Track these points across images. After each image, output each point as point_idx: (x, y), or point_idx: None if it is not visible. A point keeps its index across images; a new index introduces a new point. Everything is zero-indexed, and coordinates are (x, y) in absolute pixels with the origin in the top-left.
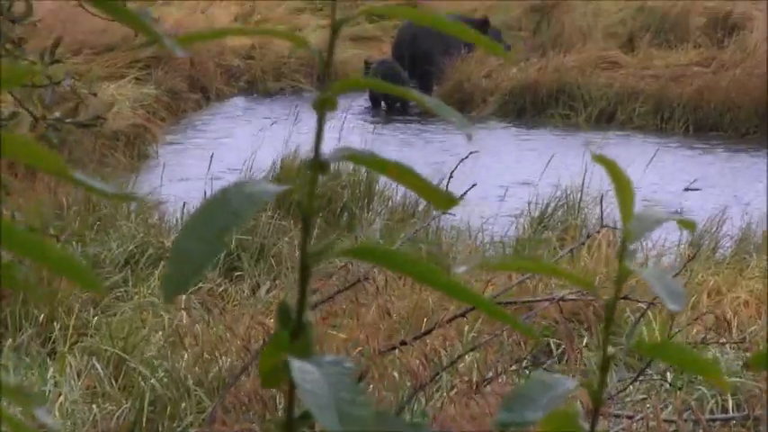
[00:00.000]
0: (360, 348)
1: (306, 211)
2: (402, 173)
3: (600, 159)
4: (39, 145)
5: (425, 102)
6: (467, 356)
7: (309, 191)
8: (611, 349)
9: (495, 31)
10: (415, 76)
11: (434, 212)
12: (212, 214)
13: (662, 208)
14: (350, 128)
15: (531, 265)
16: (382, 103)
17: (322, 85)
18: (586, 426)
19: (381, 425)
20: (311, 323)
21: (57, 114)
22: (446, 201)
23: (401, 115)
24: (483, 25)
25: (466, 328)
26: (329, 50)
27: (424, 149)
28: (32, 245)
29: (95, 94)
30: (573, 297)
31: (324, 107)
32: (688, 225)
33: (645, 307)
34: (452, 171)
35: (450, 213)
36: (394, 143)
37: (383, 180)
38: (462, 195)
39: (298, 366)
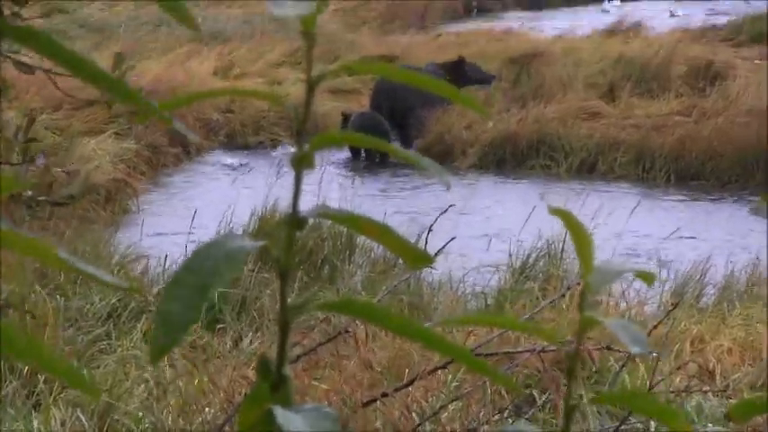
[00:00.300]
0: (342, 399)
1: (284, 267)
2: (378, 230)
3: (556, 212)
4: (38, 240)
5: (405, 154)
6: (450, 407)
7: (287, 247)
8: (574, 399)
9: (473, 67)
10: (394, 128)
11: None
12: (191, 275)
13: (641, 256)
14: (329, 179)
15: (496, 320)
16: (362, 154)
17: (298, 142)
18: None
19: None
20: (290, 376)
21: (29, 193)
22: (420, 259)
23: (381, 166)
24: (459, 65)
25: (449, 377)
26: (305, 107)
27: (405, 201)
28: (32, 349)
29: (68, 173)
30: (554, 348)
31: (301, 165)
32: (646, 278)
33: (626, 356)
34: (431, 225)
35: (431, 267)
36: (374, 195)
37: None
38: (441, 249)
39: (281, 413)
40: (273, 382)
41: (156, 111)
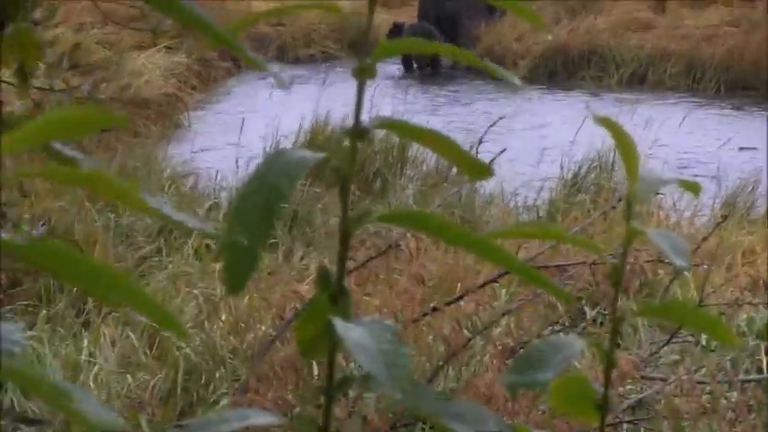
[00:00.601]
0: (393, 314)
1: (345, 178)
2: (438, 141)
3: (602, 121)
4: (124, 185)
5: (475, 60)
6: (501, 321)
7: (350, 158)
8: (620, 312)
9: None
10: (443, 40)
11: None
12: (253, 195)
13: (691, 168)
14: (380, 93)
15: (538, 232)
16: (414, 66)
17: (360, 52)
18: (601, 390)
19: (414, 394)
20: (348, 289)
21: None
22: (479, 170)
23: (432, 79)
24: None
25: (501, 291)
26: (368, 17)
27: (457, 114)
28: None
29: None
30: (606, 261)
31: (363, 75)
32: (692, 188)
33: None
34: (482, 137)
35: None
36: (427, 107)
37: (416, 146)
38: (492, 161)
39: (340, 324)
40: (333, 294)
41: (226, 40)
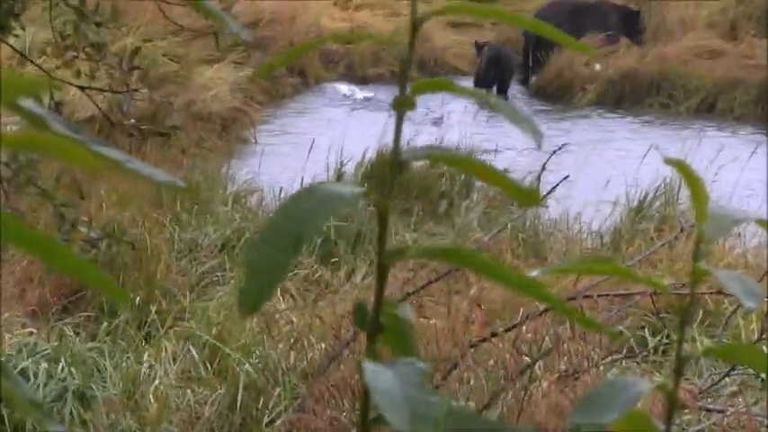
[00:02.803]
0: (452, 338)
1: (383, 211)
2: (483, 169)
3: (671, 162)
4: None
5: (501, 108)
6: (560, 348)
7: (388, 191)
8: (685, 351)
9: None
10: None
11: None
12: (284, 223)
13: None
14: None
15: (600, 269)
16: (493, 89)
17: (402, 83)
18: (662, 426)
19: (457, 423)
20: (408, 319)
21: (132, 121)
22: (529, 197)
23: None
24: (634, 15)
25: (563, 317)
26: (409, 48)
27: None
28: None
29: (171, 104)
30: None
31: (402, 107)
32: (765, 225)
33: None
34: (545, 162)
35: (543, 206)
36: (496, 129)
37: None
38: (554, 187)
39: (371, 368)
40: (369, 332)
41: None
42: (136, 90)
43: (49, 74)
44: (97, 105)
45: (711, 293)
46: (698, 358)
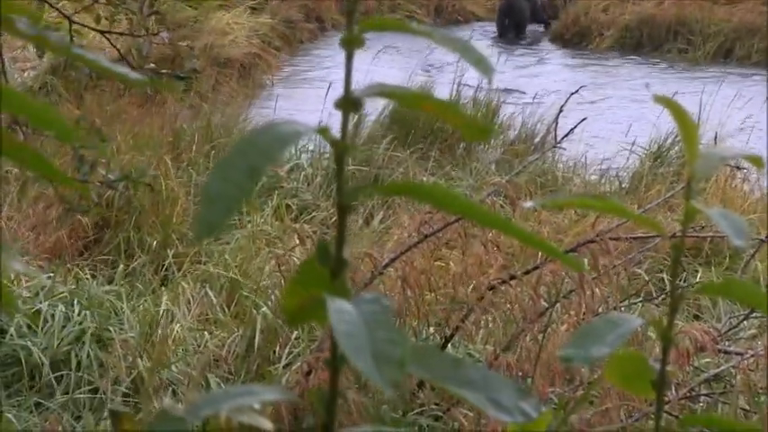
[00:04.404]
0: (470, 282)
1: (339, 150)
2: (437, 106)
3: (661, 100)
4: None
5: (440, 40)
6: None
7: (342, 128)
8: (678, 289)
9: None
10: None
11: (550, 146)
12: (241, 155)
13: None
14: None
15: (599, 204)
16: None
17: (349, 22)
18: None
19: (422, 360)
20: (347, 261)
21: (152, 65)
22: (480, 131)
23: (519, 42)
24: None
25: (585, 261)
26: None
27: (544, 78)
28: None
29: (192, 48)
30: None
31: (351, 45)
32: (755, 161)
33: (763, 241)
34: (562, 105)
35: (561, 147)
36: (513, 70)
37: (502, 112)
38: (571, 130)
39: (335, 306)
40: (332, 269)
41: None
42: (155, 34)
43: (70, 18)
44: (117, 49)
45: (718, 236)
46: (691, 295)
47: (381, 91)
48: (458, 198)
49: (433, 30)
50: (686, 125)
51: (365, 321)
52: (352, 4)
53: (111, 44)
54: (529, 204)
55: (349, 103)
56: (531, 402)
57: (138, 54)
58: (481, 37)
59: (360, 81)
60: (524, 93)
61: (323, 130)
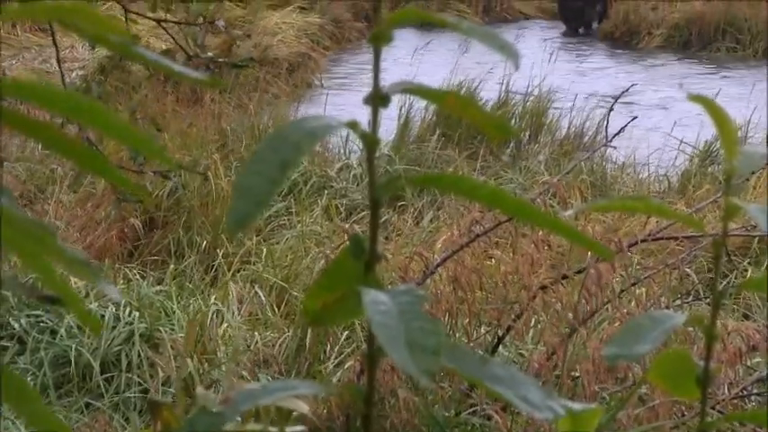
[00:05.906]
0: (520, 281)
1: (370, 143)
2: (460, 103)
3: (696, 98)
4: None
5: (469, 32)
6: (631, 290)
7: (373, 122)
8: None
9: None
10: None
11: (600, 144)
12: (272, 150)
13: None
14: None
15: (641, 206)
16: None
17: (377, 18)
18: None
19: (452, 354)
20: (382, 255)
21: (209, 54)
22: (502, 130)
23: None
24: None
25: (633, 260)
26: None
27: (593, 76)
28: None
29: (249, 36)
30: (736, 233)
31: (379, 41)
32: None
33: None
34: (613, 104)
35: (611, 146)
36: (567, 70)
37: (551, 111)
38: (622, 129)
39: (371, 297)
40: (367, 262)
41: None
42: (212, 22)
43: (125, 7)
44: (173, 38)
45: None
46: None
47: (407, 87)
48: (484, 188)
49: (460, 21)
50: (723, 122)
51: (400, 311)
52: (377, 4)
53: (168, 33)
54: (569, 213)
55: (377, 99)
56: (557, 400)
57: (194, 43)
58: (532, 35)
59: (406, 77)
60: (572, 92)
61: (352, 124)
